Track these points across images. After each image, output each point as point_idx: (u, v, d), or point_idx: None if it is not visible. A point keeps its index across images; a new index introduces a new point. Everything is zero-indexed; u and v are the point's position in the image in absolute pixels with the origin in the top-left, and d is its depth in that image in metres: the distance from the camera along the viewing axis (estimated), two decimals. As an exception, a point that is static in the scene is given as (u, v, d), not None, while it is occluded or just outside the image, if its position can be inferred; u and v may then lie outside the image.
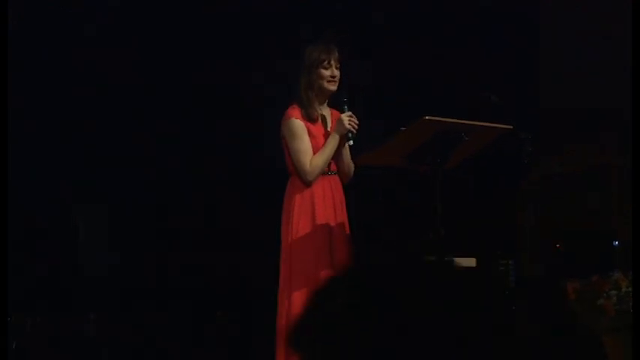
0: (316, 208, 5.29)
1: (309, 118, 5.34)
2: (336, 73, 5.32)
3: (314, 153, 5.31)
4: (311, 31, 6.81)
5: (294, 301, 5.18)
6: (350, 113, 5.32)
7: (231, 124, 7.73)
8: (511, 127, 5.15)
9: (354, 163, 5.42)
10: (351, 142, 5.32)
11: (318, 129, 5.37)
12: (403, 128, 5.06)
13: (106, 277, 7.50)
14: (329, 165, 5.37)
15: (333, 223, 5.32)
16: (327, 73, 5.30)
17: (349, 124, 5.27)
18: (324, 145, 5.32)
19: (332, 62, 5.31)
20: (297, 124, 5.31)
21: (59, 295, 7.34)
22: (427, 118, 4.94)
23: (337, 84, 5.34)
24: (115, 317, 7.29)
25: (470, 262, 5.19)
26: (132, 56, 7.71)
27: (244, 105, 7.63)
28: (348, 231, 5.38)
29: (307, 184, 5.31)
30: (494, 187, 7.03)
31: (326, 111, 5.45)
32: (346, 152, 5.40)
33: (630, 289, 4.62)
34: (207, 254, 7.59)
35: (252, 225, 7.43)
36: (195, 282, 7.58)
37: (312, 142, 5.33)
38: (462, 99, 6.38)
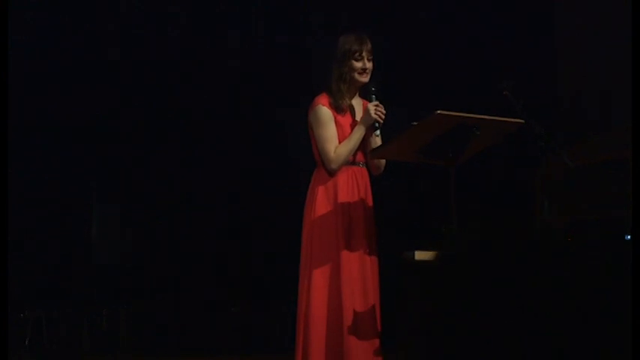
0: (339, 199, 5.23)
1: (338, 108, 5.28)
2: (368, 65, 5.26)
3: (340, 143, 5.24)
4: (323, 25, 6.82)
5: (313, 295, 5.12)
6: (377, 102, 5.24)
7: (246, 120, 7.74)
8: (523, 121, 5.13)
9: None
10: (378, 133, 5.24)
11: (345, 119, 5.31)
12: (415, 123, 5.05)
13: (120, 272, 7.50)
14: (355, 156, 5.30)
15: (356, 215, 5.24)
16: (358, 65, 5.24)
17: (375, 113, 5.20)
18: (350, 134, 5.27)
19: (364, 54, 5.24)
20: (324, 111, 5.25)
21: (73, 291, 7.35)
22: (439, 112, 4.92)
23: (369, 76, 5.28)
24: (128, 311, 7.30)
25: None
26: (142, 56, 7.73)
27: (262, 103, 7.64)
28: (373, 223, 5.31)
29: (331, 172, 5.24)
30: (508, 181, 7.01)
31: (356, 102, 5.38)
32: (376, 143, 5.29)
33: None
34: (222, 247, 7.60)
35: (267, 218, 7.44)
36: (209, 275, 7.59)
37: (338, 131, 5.26)
38: (476, 93, 6.37)
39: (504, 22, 7.54)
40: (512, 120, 5.10)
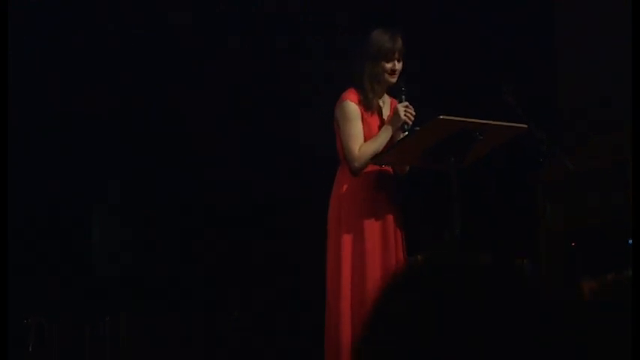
0: (365, 194, 5.14)
1: (367, 105, 5.17)
2: (398, 66, 5.16)
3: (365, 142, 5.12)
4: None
5: (342, 297, 5.06)
6: (406, 103, 5.14)
7: (260, 118, 7.72)
8: (526, 126, 5.13)
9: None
10: (407, 134, 5.12)
11: (373, 118, 5.21)
12: (417, 128, 5.04)
13: (122, 278, 7.49)
14: None
15: (383, 216, 5.17)
16: (389, 65, 5.13)
17: (405, 114, 5.10)
18: (377, 134, 5.15)
19: (396, 54, 5.14)
20: (352, 107, 5.13)
21: (75, 298, 7.34)
22: (442, 117, 4.92)
23: (397, 77, 5.18)
24: (130, 319, 7.29)
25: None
26: (143, 56, 7.71)
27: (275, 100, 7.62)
28: (400, 225, 5.24)
29: (354, 171, 5.11)
30: (510, 187, 7.01)
31: (384, 100, 5.30)
32: None
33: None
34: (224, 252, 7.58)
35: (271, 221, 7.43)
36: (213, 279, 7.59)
37: (365, 130, 5.13)
38: (478, 98, 6.37)
39: (504, 22, 7.52)
40: (516, 125, 5.11)
